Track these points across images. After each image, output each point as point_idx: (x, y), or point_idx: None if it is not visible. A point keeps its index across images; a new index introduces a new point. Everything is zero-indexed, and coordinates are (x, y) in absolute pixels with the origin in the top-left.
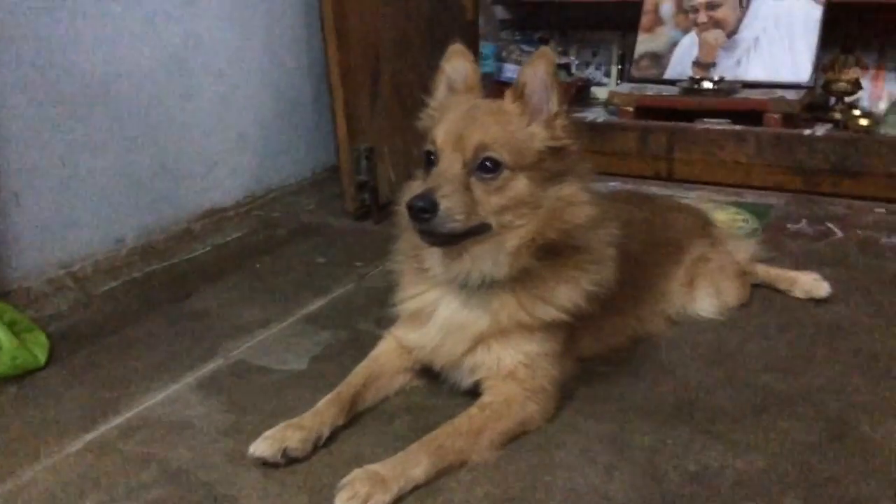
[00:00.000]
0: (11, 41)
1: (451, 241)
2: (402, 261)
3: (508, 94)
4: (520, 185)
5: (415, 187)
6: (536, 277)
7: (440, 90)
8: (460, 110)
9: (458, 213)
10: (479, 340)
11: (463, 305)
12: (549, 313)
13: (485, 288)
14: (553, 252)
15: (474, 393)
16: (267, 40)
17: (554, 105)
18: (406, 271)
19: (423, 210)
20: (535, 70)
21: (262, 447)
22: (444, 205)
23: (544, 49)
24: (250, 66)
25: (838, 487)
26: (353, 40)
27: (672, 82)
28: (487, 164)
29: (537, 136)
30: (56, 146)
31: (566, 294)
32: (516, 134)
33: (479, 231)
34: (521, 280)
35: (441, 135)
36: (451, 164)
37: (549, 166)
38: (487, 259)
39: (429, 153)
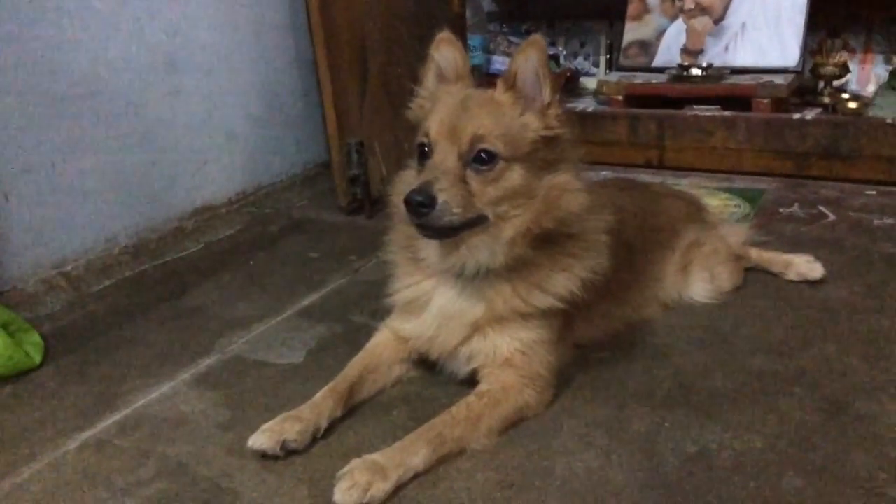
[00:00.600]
0: None
1: (449, 233)
2: (396, 251)
3: (500, 83)
4: (515, 175)
5: (406, 177)
6: (531, 265)
7: (429, 79)
8: (452, 101)
9: (456, 206)
10: (475, 329)
11: (458, 294)
12: (545, 301)
13: (480, 277)
14: (548, 240)
15: (471, 382)
16: (254, 36)
17: (547, 94)
18: (400, 262)
19: (422, 204)
20: (526, 58)
21: (260, 440)
22: (441, 198)
23: (535, 37)
24: (238, 62)
25: (837, 465)
26: (340, 35)
27: (661, 70)
28: (483, 155)
29: (531, 125)
30: (45, 146)
31: (561, 281)
32: (510, 124)
33: (476, 223)
34: (516, 268)
35: (434, 126)
36: (446, 157)
37: (542, 155)
38: (483, 249)
39: (422, 145)
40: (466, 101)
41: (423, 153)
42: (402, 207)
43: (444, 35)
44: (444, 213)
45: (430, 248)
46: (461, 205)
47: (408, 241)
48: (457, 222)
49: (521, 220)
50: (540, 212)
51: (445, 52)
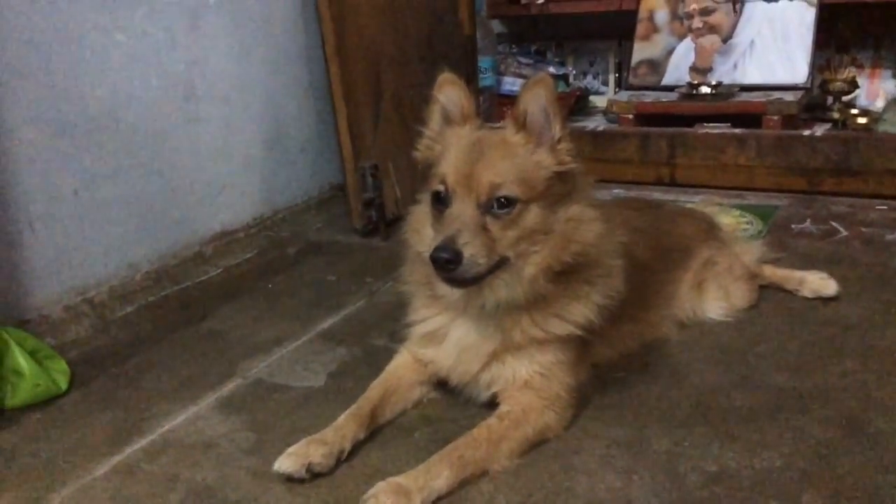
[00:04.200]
0: (21, 74)
1: (475, 282)
2: (412, 284)
3: (510, 123)
4: (532, 214)
5: (419, 214)
6: (549, 295)
7: (435, 120)
8: (465, 145)
9: (481, 256)
10: (494, 357)
11: (475, 326)
12: (563, 328)
13: (500, 311)
14: (565, 271)
15: (491, 404)
16: (269, 63)
17: (557, 130)
18: (417, 294)
19: (449, 261)
20: (534, 96)
21: (286, 463)
22: (467, 252)
23: (542, 74)
24: (254, 89)
25: (857, 482)
26: (353, 60)
27: (670, 88)
28: (502, 200)
29: (544, 163)
30: (68, 175)
31: (579, 310)
32: (524, 165)
33: (499, 266)
34: (534, 300)
35: (451, 175)
36: (465, 207)
37: (556, 190)
38: (504, 288)
39: (437, 193)
40: (479, 145)
41: (440, 200)
42: (419, 251)
43: (446, 76)
44: (471, 267)
45: (450, 288)
46: (486, 254)
47: (426, 277)
48: (483, 272)
49: (540, 257)
50: (558, 247)
51: (450, 94)
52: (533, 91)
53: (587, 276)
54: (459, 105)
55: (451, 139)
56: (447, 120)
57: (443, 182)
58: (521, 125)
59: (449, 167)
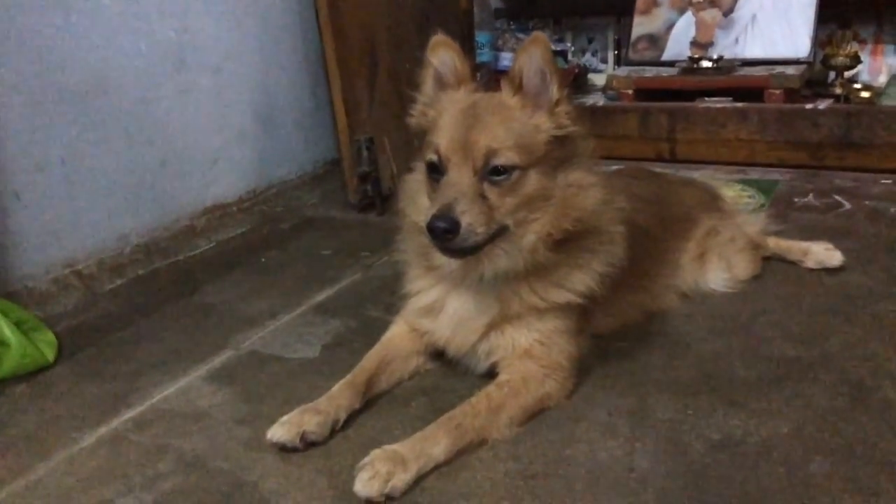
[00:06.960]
0: (7, 39)
1: (473, 252)
2: (409, 254)
3: (506, 86)
4: (531, 180)
5: (412, 183)
6: (549, 264)
7: (428, 84)
8: (459, 110)
9: (480, 225)
10: (492, 327)
11: (473, 297)
12: (563, 297)
13: (499, 281)
14: (566, 239)
15: (490, 374)
16: (262, 34)
17: (554, 91)
18: (413, 265)
19: (447, 230)
20: (530, 56)
21: (279, 432)
22: (465, 221)
23: (537, 34)
24: (247, 60)
25: (863, 449)
26: (348, 32)
27: (671, 63)
28: (499, 167)
29: (542, 126)
30: (56, 144)
31: (579, 278)
32: (522, 130)
33: (498, 235)
34: (534, 269)
35: (445, 142)
36: (461, 175)
37: (555, 155)
38: (504, 257)
39: (432, 161)
40: (474, 109)
41: (434, 168)
42: (414, 220)
43: (439, 38)
44: (469, 236)
45: (447, 258)
46: (484, 223)
47: (422, 248)
48: (481, 241)
49: (540, 225)
50: (558, 214)
51: (443, 56)
52: (528, 51)
53: (588, 243)
54: (453, 68)
55: (446, 104)
56: (441, 84)
57: (437, 150)
58: (518, 87)
59: (443, 134)
